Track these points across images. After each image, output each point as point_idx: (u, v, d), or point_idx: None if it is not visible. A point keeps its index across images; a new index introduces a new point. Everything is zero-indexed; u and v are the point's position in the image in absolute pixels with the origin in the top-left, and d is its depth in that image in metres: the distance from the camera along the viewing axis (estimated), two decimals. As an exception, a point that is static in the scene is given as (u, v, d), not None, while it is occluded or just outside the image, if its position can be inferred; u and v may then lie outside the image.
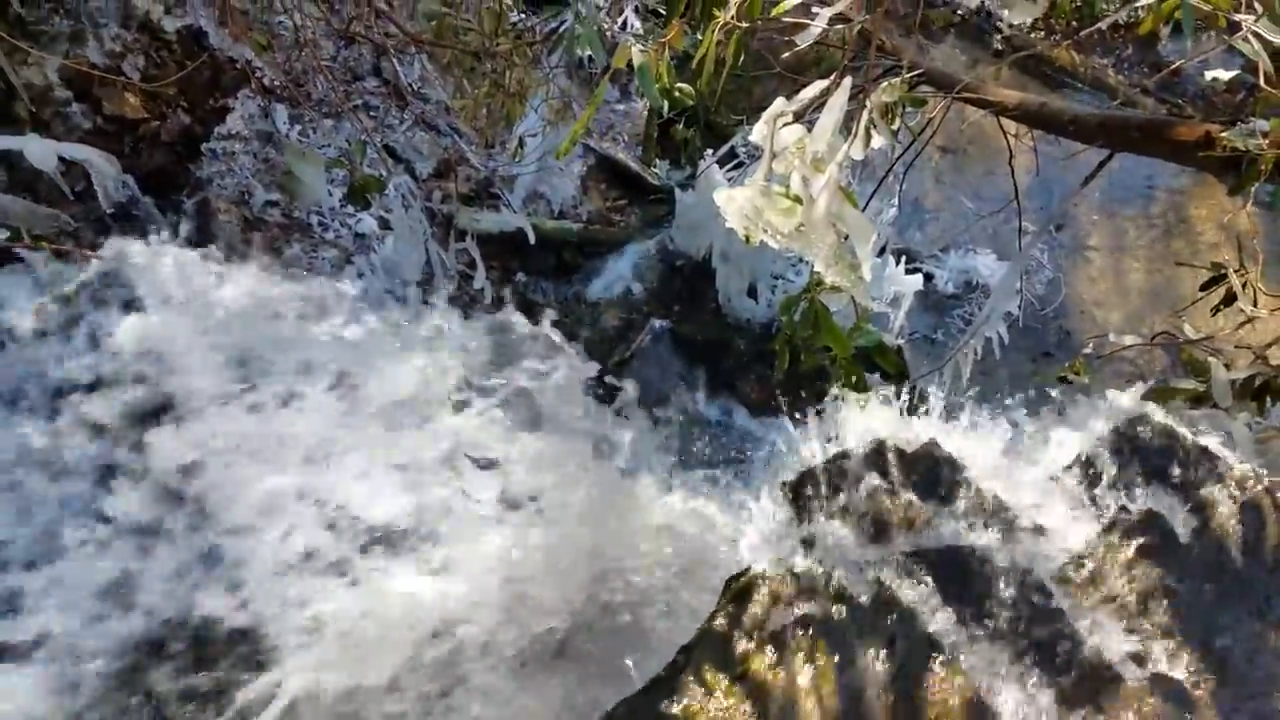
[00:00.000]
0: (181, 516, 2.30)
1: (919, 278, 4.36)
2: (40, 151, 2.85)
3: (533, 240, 4.64)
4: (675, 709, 1.86)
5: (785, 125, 2.24)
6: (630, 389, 3.87)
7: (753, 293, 4.65)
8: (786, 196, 2.04)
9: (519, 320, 4.24)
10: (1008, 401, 2.58)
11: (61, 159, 2.95)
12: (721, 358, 4.49)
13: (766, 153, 2.12)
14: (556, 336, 4.03)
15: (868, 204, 3.66)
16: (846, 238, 2.18)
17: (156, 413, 2.49)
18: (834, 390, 2.40)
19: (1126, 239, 5.38)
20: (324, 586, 2.24)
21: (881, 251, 4.52)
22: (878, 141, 2.39)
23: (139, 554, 2.24)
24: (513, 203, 5.06)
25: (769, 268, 4.61)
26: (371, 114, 5.04)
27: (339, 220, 4.78)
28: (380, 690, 2.07)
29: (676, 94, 2.15)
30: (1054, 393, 2.71)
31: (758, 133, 2.27)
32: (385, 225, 4.73)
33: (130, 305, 2.66)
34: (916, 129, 3.37)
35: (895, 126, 2.44)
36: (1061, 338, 4.93)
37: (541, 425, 3.05)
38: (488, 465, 2.61)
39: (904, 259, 4.49)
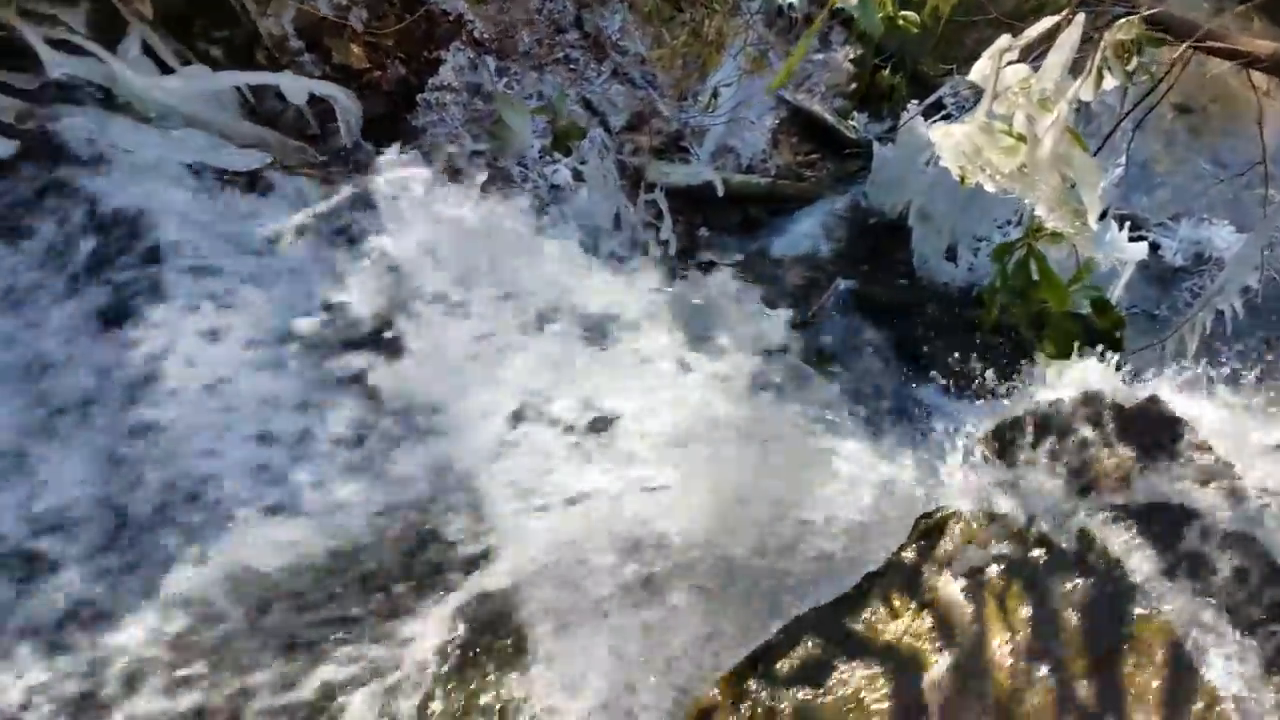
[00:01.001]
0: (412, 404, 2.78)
1: (1143, 246, 4.17)
2: (294, 87, 3.32)
3: (720, 194, 4.80)
4: (858, 624, 1.99)
5: (1009, 64, 2.27)
6: (812, 346, 3.98)
7: (951, 255, 4.59)
8: (1009, 135, 2.07)
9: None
10: (1238, 369, 2.50)
11: (310, 96, 3.41)
12: (912, 322, 4.47)
13: (989, 90, 2.16)
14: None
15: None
16: (1073, 186, 2.19)
17: (389, 317, 2.98)
18: (1043, 347, 2.41)
19: (1400, 212, 4.87)
20: (532, 479, 2.61)
21: (1103, 215, 4.35)
22: (1109, 83, 2.36)
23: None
24: (701, 156, 5.23)
25: (972, 228, 4.52)
26: (571, 67, 5.34)
27: (537, 171, 5.13)
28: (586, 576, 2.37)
29: (901, 21, 2.20)
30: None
31: (978, 71, 2.30)
32: (578, 177, 5.04)
33: (371, 225, 3.17)
34: (1150, 80, 3.25)
35: (1130, 67, 2.40)
36: (1307, 320, 4.56)
37: (726, 367, 3.24)
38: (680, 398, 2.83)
39: (1128, 225, 4.29)
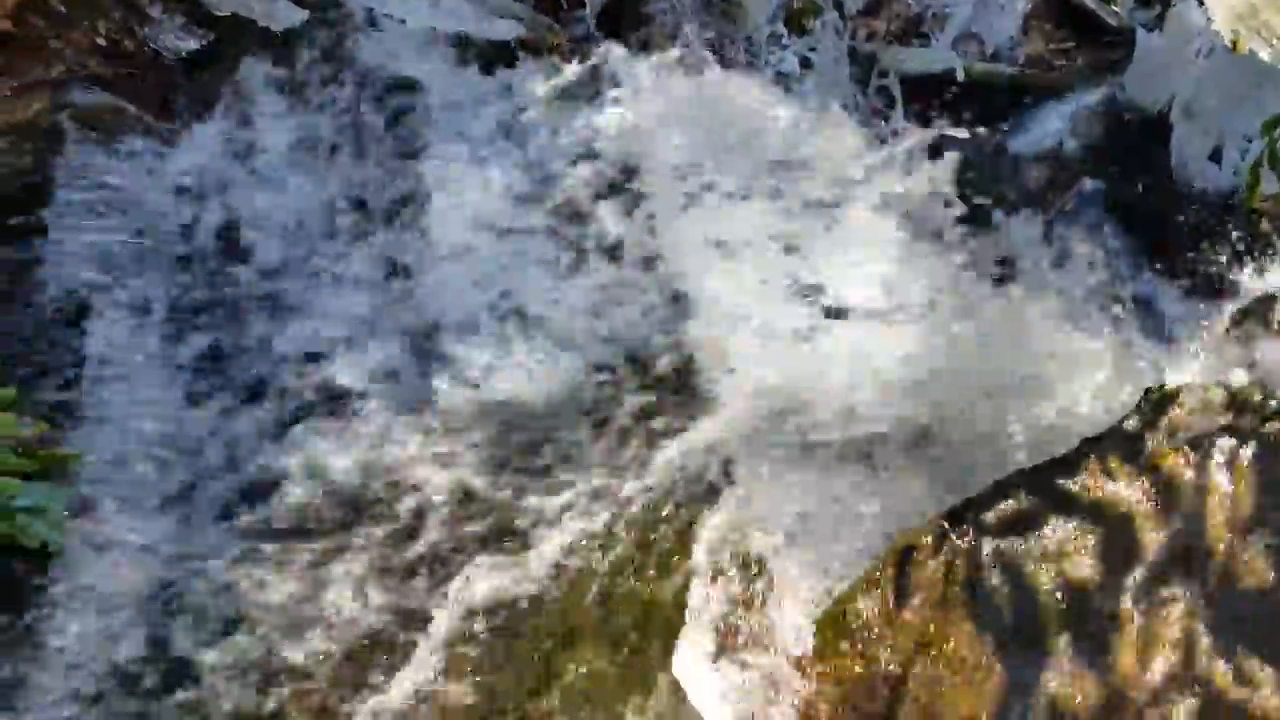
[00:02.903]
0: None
1: None
2: (546, -38, 3.70)
3: (960, 80, 4.75)
4: (1070, 485, 2.14)
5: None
6: (1050, 243, 3.99)
7: (1216, 157, 4.36)
8: (1293, -6, 2.04)
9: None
10: None
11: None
12: (1163, 229, 4.32)
13: (1276, -52, 2.12)
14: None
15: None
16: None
17: (627, 184, 3.35)
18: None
19: None
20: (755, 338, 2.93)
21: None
22: None
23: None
24: (942, 42, 5.17)
25: (1243, 128, 4.24)
26: (807, -55, 5.37)
27: (763, 58, 5.28)
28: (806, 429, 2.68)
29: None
30: None
31: (1268, -70, 2.25)
32: (805, 64, 5.15)
33: (610, 101, 3.54)
34: None
35: None
36: None
37: (953, 254, 3.39)
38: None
39: None
